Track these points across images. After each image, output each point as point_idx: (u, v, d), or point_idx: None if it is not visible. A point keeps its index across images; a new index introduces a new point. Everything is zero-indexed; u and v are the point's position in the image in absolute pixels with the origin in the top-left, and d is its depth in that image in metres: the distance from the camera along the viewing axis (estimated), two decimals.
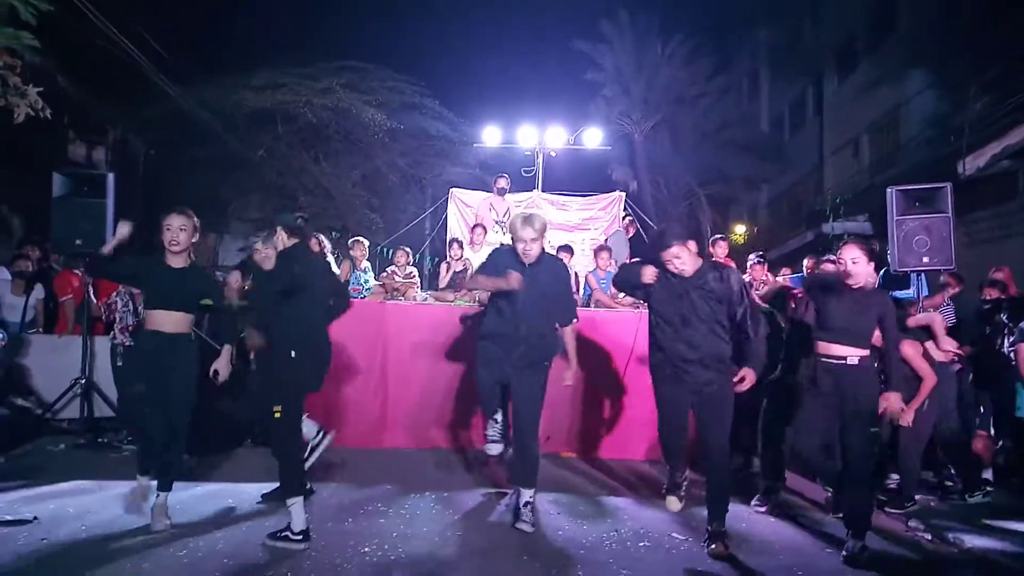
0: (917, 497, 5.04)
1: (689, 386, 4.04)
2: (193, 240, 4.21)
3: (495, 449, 4.78)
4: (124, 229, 4.32)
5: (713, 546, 3.96)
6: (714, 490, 4.09)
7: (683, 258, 4.01)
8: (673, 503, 4.39)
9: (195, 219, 4.22)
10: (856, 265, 3.94)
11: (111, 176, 6.54)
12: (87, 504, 4.46)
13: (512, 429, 4.56)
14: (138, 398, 4.23)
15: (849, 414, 3.94)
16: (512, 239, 4.38)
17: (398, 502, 4.74)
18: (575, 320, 4.63)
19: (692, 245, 4.11)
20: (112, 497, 4.55)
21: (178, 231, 4.12)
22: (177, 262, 4.19)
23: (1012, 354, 6.05)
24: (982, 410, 5.79)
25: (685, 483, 4.46)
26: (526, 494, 4.39)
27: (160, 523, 4.02)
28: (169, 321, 4.12)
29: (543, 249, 4.42)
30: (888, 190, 6.73)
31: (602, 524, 4.41)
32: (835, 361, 3.98)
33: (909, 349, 4.97)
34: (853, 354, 3.95)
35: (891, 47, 16.56)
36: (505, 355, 4.37)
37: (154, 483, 4.13)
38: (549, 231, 10.86)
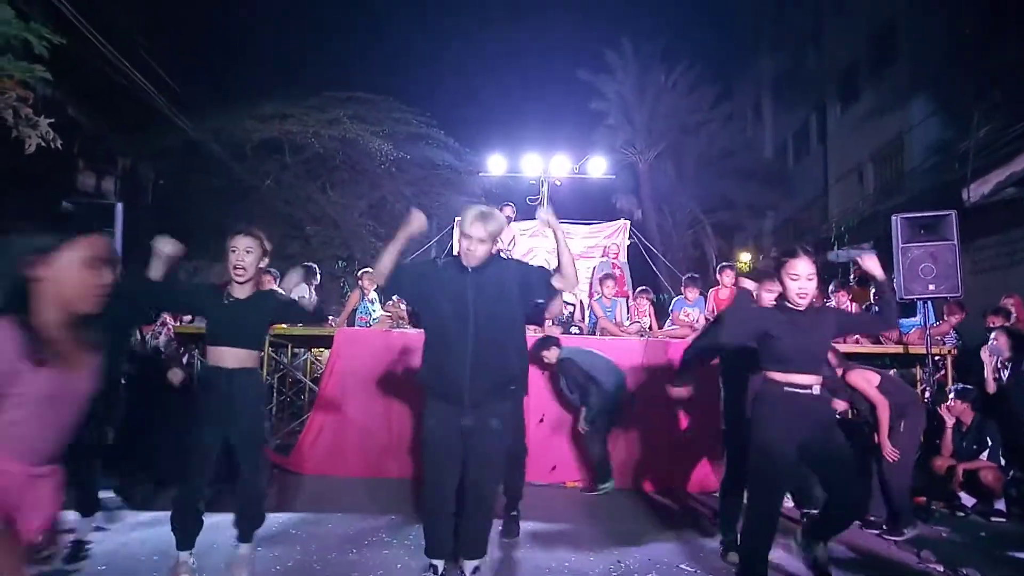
0: (913, 528, 4.93)
1: None
2: (261, 265, 3.66)
3: None
4: (167, 247, 3.57)
5: None
6: None
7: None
8: None
9: (264, 240, 3.63)
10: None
11: (120, 206, 6.59)
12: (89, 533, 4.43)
13: (463, 477, 3.60)
14: (190, 447, 3.60)
15: None
16: (459, 234, 3.61)
17: (402, 532, 4.69)
18: (554, 273, 3.69)
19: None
20: (115, 526, 4.53)
21: (244, 253, 3.53)
22: (243, 291, 3.63)
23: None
24: (989, 441, 5.72)
25: None
26: (469, 566, 3.63)
27: None
28: (232, 357, 3.58)
29: (496, 254, 3.72)
30: (893, 218, 6.73)
31: (609, 555, 4.35)
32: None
33: (859, 379, 4.94)
34: None
35: (894, 75, 16.69)
36: (456, 392, 3.50)
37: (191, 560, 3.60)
38: (554, 259, 11.03)
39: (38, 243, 1.73)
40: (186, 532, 3.57)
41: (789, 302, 3.57)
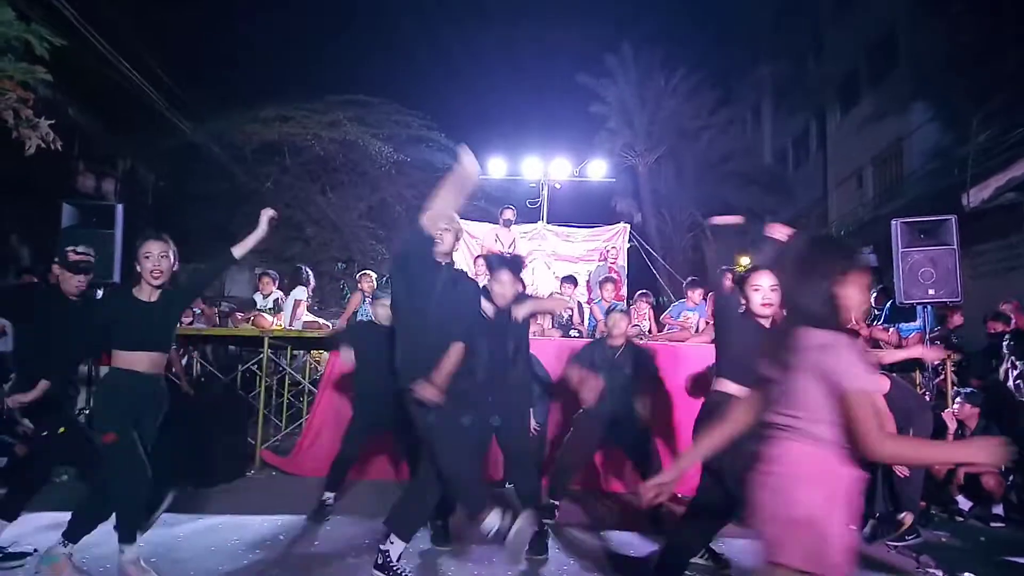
0: (917, 538, 4.91)
1: None
2: (174, 268, 3.79)
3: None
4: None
5: None
6: None
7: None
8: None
9: (172, 244, 3.79)
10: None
11: (120, 207, 6.58)
12: (88, 536, 4.41)
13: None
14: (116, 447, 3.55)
15: None
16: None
17: None
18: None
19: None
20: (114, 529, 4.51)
21: (159, 259, 3.67)
22: (150, 294, 3.70)
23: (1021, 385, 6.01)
24: None
25: None
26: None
27: None
28: (145, 361, 3.62)
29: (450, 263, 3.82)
30: (893, 222, 6.73)
31: (607, 560, 4.35)
32: None
33: None
34: None
35: (893, 80, 16.72)
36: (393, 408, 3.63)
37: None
38: (554, 263, 11.05)
39: (841, 264, 1.94)
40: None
41: (755, 314, 3.55)
